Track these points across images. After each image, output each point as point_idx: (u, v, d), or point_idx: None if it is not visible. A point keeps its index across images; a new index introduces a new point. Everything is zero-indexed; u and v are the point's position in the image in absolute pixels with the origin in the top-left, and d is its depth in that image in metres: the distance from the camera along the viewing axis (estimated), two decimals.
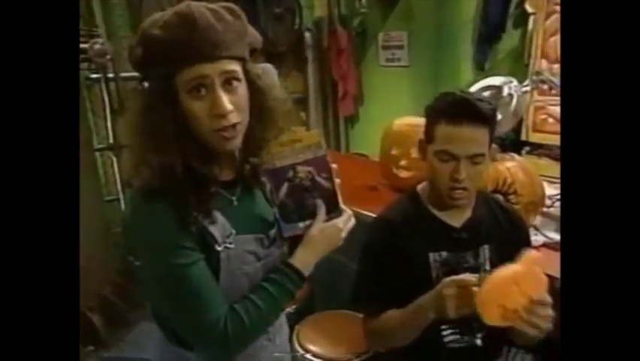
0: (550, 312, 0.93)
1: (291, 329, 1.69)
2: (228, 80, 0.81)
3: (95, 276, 2.52)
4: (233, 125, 0.83)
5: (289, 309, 1.85)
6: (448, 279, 1.00)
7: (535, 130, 2.44)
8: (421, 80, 3.49)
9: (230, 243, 0.87)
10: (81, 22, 2.71)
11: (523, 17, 2.70)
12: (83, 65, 2.64)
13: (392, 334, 1.16)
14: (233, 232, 0.88)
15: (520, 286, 0.91)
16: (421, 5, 3.48)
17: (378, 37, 3.75)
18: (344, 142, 4.18)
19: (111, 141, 2.78)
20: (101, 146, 2.85)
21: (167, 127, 0.80)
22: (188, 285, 0.82)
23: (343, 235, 0.95)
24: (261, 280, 0.91)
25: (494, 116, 1.10)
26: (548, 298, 0.93)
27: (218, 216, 0.87)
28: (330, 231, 0.93)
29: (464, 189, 1.11)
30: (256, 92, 0.87)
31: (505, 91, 1.49)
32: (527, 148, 2.48)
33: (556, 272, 1.35)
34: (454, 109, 1.09)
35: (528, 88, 1.49)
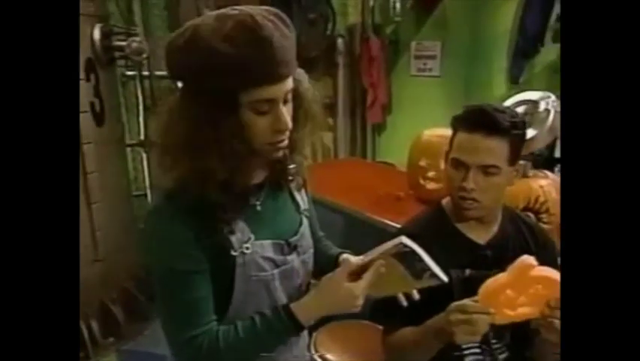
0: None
1: (310, 334, 1.69)
2: (287, 97, 0.81)
3: (118, 268, 2.57)
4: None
5: None
6: (453, 304, 0.98)
7: None
8: (451, 92, 3.44)
9: (247, 248, 0.86)
10: (120, 20, 2.79)
11: None
12: (120, 63, 2.71)
13: (406, 352, 1.14)
14: (252, 236, 0.87)
15: (514, 289, 0.93)
16: (456, 15, 3.44)
17: (410, 46, 3.72)
18: (370, 150, 4.16)
19: (142, 137, 2.84)
20: (132, 142, 2.91)
21: (209, 135, 0.77)
22: (187, 292, 0.83)
23: (358, 302, 0.85)
24: (258, 312, 0.87)
25: (514, 128, 1.07)
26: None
27: (239, 222, 0.86)
28: (345, 291, 0.85)
29: (474, 200, 1.09)
30: (298, 98, 0.86)
31: (542, 106, 1.45)
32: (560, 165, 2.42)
33: None
34: (470, 118, 1.09)
35: None
